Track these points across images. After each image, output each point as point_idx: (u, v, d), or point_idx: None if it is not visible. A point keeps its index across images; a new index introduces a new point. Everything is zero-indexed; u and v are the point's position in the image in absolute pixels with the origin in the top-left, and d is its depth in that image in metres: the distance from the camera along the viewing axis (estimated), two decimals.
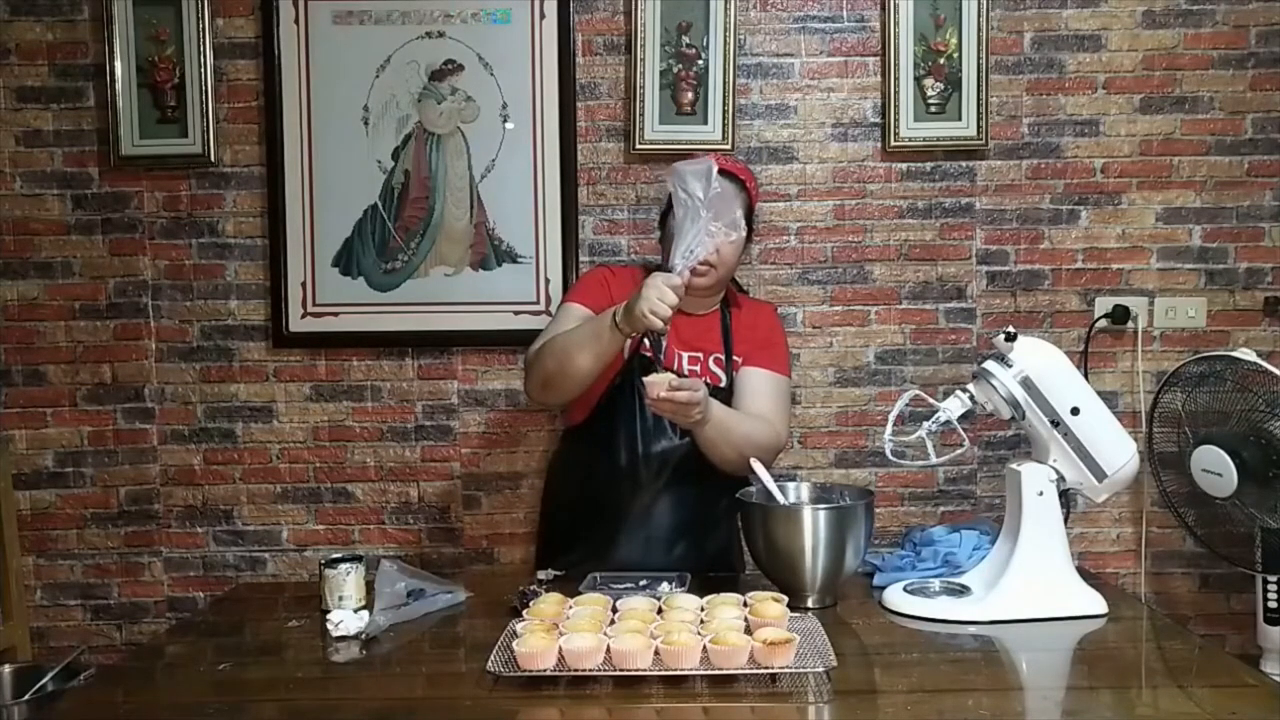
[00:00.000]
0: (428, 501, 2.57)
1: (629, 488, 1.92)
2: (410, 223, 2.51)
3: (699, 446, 1.85)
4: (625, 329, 1.73)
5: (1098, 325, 2.52)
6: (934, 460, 1.65)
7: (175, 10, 2.46)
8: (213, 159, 2.49)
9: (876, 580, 1.80)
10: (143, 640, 2.51)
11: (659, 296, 1.68)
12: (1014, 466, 1.69)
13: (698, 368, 1.95)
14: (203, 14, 2.46)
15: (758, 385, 1.95)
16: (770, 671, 1.33)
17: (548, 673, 1.35)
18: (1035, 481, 1.66)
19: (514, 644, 1.36)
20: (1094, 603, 1.65)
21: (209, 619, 1.83)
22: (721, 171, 1.91)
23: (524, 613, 1.52)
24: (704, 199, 1.70)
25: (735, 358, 1.96)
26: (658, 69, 2.47)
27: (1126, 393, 2.54)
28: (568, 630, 1.40)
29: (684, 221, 1.71)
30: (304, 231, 2.50)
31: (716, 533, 1.99)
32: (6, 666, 2.25)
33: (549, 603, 1.55)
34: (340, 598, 1.67)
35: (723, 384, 1.94)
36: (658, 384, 1.68)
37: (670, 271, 1.72)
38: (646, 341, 1.87)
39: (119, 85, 2.46)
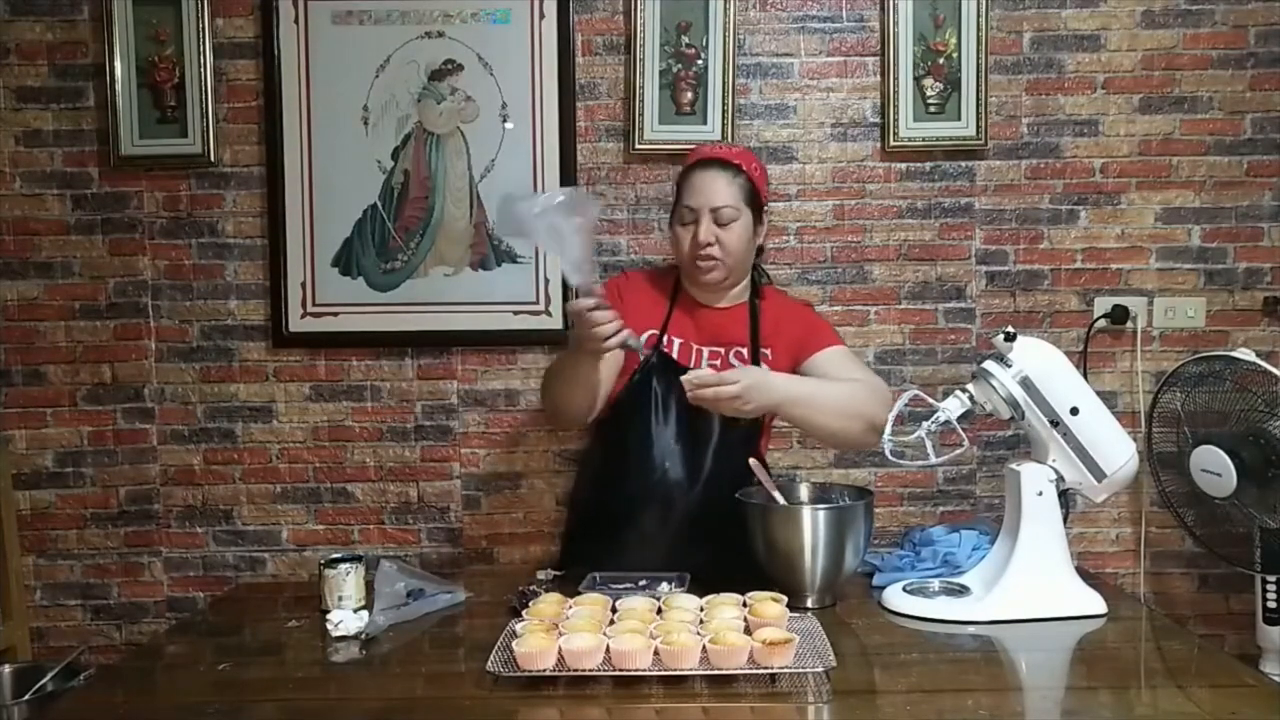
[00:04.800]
0: (428, 501, 2.56)
1: (641, 489, 1.88)
2: (410, 223, 2.51)
3: (802, 430, 1.85)
4: (596, 354, 1.73)
5: (1097, 325, 2.53)
6: (934, 460, 1.65)
7: (175, 10, 2.46)
8: (213, 159, 2.49)
9: (876, 580, 1.80)
10: (143, 640, 2.51)
11: (581, 326, 1.66)
12: (1013, 466, 1.69)
13: (718, 363, 1.91)
14: (203, 14, 2.45)
15: (826, 364, 1.90)
16: (770, 671, 1.34)
17: (547, 673, 1.35)
18: (1035, 481, 1.66)
19: (514, 644, 1.36)
20: (1093, 603, 1.65)
21: (209, 619, 1.83)
22: (713, 160, 1.92)
23: (524, 613, 1.52)
24: (538, 215, 1.61)
25: (764, 350, 1.92)
26: (657, 69, 2.47)
27: (1126, 393, 2.55)
28: (567, 630, 1.40)
29: (551, 247, 1.65)
30: (304, 231, 2.50)
31: (736, 535, 1.96)
32: (6, 666, 2.25)
33: (549, 603, 1.56)
34: (340, 598, 1.67)
35: None
36: (685, 383, 1.68)
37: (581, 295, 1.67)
38: (634, 351, 1.82)
39: (119, 85, 2.46)
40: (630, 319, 1.84)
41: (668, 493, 1.87)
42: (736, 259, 1.90)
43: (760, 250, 2.03)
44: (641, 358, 1.78)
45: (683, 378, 1.68)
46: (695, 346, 1.93)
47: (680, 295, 1.99)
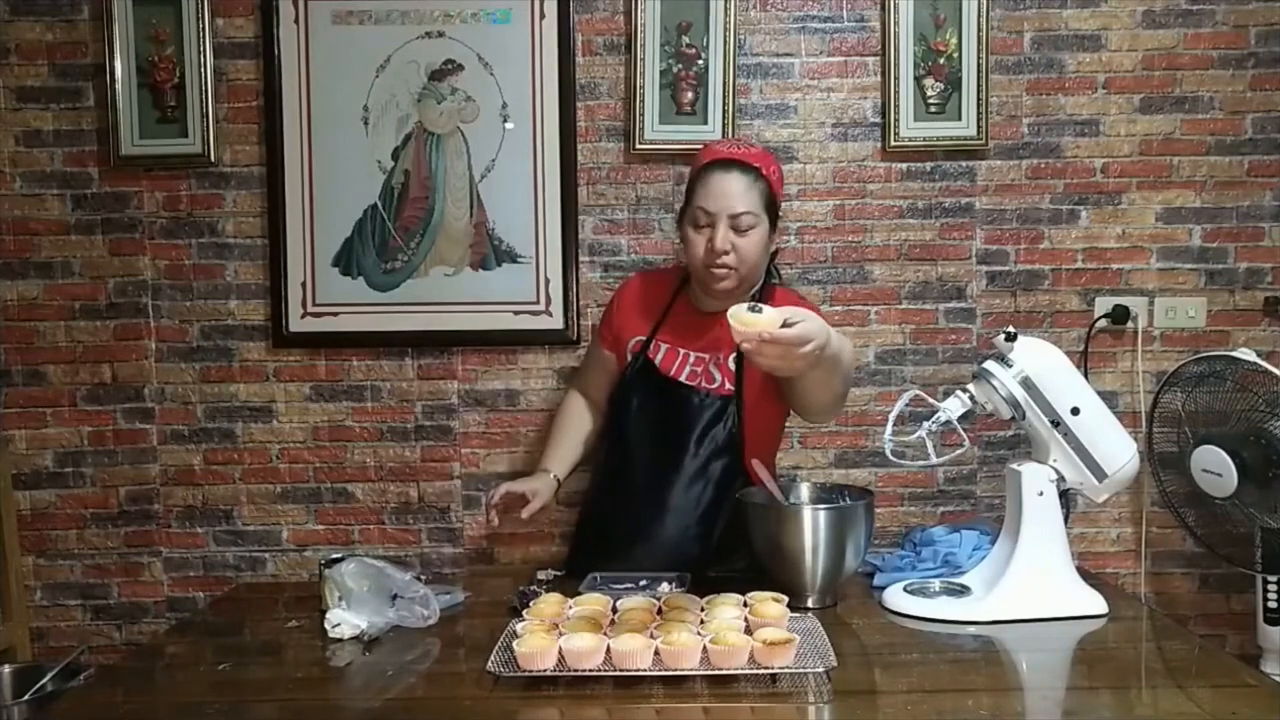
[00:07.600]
0: (428, 501, 2.56)
1: (627, 490, 1.94)
2: (410, 222, 2.51)
3: (802, 391, 1.68)
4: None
5: (1098, 325, 2.52)
6: (934, 460, 1.65)
7: (175, 10, 2.46)
8: (212, 159, 2.48)
9: (876, 580, 1.80)
10: (143, 640, 2.51)
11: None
12: (1014, 466, 1.69)
13: (701, 369, 1.91)
14: (203, 14, 2.45)
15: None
16: (770, 671, 1.34)
17: (548, 673, 1.35)
18: (1035, 481, 1.66)
19: (514, 644, 1.36)
20: (1094, 603, 1.65)
21: (209, 619, 1.84)
22: (733, 162, 1.82)
23: (524, 613, 1.52)
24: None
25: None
26: (658, 69, 2.47)
27: (1126, 393, 2.54)
28: (568, 630, 1.40)
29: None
30: (304, 231, 2.50)
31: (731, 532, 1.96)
32: (6, 666, 2.25)
33: (549, 603, 1.56)
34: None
35: (722, 387, 1.87)
36: (750, 326, 1.36)
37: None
38: (648, 348, 1.92)
39: (119, 85, 2.45)
40: (624, 325, 2.00)
41: (654, 494, 1.90)
42: (750, 267, 1.83)
43: (775, 253, 1.98)
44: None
45: (750, 320, 1.39)
46: (682, 350, 1.93)
47: (679, 300, 1.97)
